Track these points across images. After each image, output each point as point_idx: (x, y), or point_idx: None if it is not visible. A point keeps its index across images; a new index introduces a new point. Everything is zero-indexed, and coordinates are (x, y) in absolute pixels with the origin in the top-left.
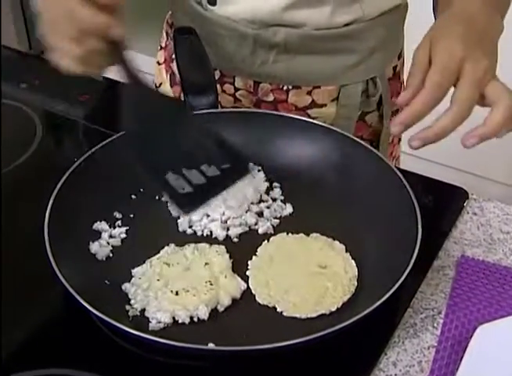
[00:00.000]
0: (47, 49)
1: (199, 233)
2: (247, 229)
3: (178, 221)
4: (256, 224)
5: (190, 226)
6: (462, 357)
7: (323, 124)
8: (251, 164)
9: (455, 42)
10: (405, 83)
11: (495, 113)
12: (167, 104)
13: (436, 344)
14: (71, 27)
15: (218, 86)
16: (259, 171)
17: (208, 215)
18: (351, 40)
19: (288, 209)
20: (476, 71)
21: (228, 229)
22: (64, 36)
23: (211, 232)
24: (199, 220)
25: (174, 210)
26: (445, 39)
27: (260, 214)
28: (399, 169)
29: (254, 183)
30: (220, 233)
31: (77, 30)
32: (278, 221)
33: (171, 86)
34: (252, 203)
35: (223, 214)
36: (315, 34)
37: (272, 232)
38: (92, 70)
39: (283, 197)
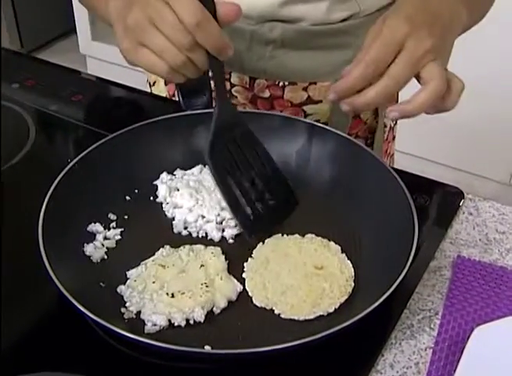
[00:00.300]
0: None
1: (194, 235)
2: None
3: (173, 222)
4: None
5: (185, 228)
6: (459, 358)
7: (318, 124)
8: None
9: (401, 20)
10: None
11: (420, 94)
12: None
13: (433, 345)
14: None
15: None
16: None
17: (203, 217)
18: (347, 35)
19: None
20: (416, 50)
21: (223, 231)
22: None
23: (206, 233)
24: (194, 221)
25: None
26: (392, 17)
27: None
28: (395, 169)
29: None
30: (215, 235)
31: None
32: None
33: (166, 84)
34: None
35: (218, 215)
36: (311, 30)
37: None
38: (182, 78)
39: None
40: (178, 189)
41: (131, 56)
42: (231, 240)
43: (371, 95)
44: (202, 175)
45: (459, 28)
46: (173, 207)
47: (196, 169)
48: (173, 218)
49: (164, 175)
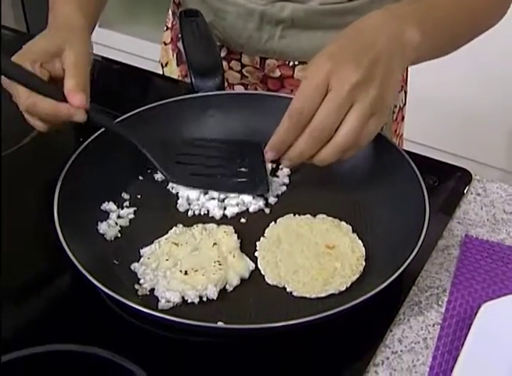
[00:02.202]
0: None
1: (196, 212)
2: (244, 208)
3: (178, 201)
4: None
5: (189, 204)
6: (466, 334)
7: None
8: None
9: (323, 60)
10: None
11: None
12: None
13: (441, 321)
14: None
15: (225, 63)
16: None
17: (206, 193)
18: (356, 15)
19: (288, 189)
20: (341, 88)
21: (225, 209)
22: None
23: (208, 211)
24: (196, 199)
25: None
26: (314, 59)
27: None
28: (404, 150)
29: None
30: (217, 213)
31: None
32: (276, 199)
33: (178, 65)
34: None
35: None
36: (321, 9)
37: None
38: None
39: (288, 178)
40: None
41: None
42: (243, 220)
43: (299, 146)
44: None
45: (406, 53)
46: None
47: None
48: (177, 196)
49: None
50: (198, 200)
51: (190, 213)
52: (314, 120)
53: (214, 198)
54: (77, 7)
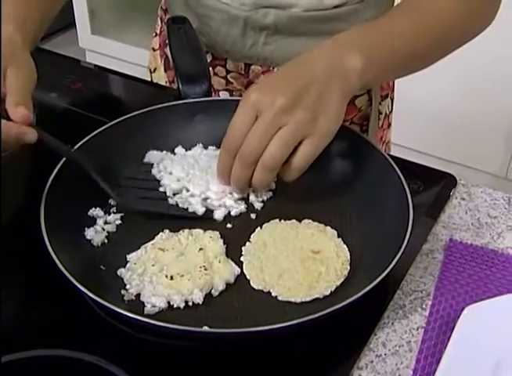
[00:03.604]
0: None
1: (180, 205)
2: (226, 211)
3: (161, 183)
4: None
5: (174, 194)
6: (449, 337)
7: None
8: None
9: (254, 88)
10: None
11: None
12: None
13: (425, 325)
14: None
15: (210, 69)
16: None
17: (188, 190)
18: (341, 22)
19: (274, 195)
20: (266, 114)
21: (211, 211)
22: None
23: (188, 207)
24: (179, 192)
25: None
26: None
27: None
28: (389, 156)
29: None
30: (199, 209)
31: None
32: (262, 204)
33: (165, 71)
34: None
35: (203, 193)
36: (304, 16)
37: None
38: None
39: (274, 184)
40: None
41: None
42: (229, 225)
43: (234, 173)
44: (200, 156)
45: (350, 78)
46: (161, 172)
47: (196, 148)
48: (159, 181)
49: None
50: (181, 193)
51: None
52: (242, 146)
53: (195, 195)
54: (16, 27)
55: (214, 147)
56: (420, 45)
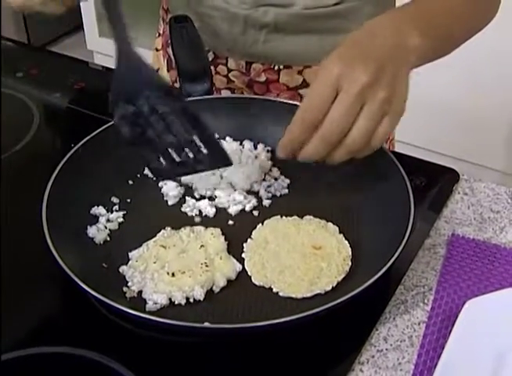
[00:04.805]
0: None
1: (189, 214)
2: (240, 207)
3: (168, 202)
4: (243, 202)
5: (180, 205)
6: (451, 331)
7: None
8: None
9: (333, 61)
10: None
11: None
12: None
13: (426, 319)
14: None
15: (212, 67)
16: (268, 151)
17: (193, 196)
18: (341, 19)
19: (284, 191)
20: (351, 89)
21: (217, 208)
22: None
23: (200, 211)
24: (182, 198)
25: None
26: (325, 59)
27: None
28: (392, 152)
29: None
30: (210, 211)
31: None
32: (270, 201)
33: (168, 71)
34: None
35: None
36: (304, 14)
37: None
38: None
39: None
40: None
41: None
42: (230, 222)
43: (311, 149)
44: None
45: (409, 58)
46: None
47: None
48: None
49: None
50: (187, 201)
51: (182, 214)
52: (325, 123)
53: (203, 197)
54: None
55: None
56: (454, 23)
